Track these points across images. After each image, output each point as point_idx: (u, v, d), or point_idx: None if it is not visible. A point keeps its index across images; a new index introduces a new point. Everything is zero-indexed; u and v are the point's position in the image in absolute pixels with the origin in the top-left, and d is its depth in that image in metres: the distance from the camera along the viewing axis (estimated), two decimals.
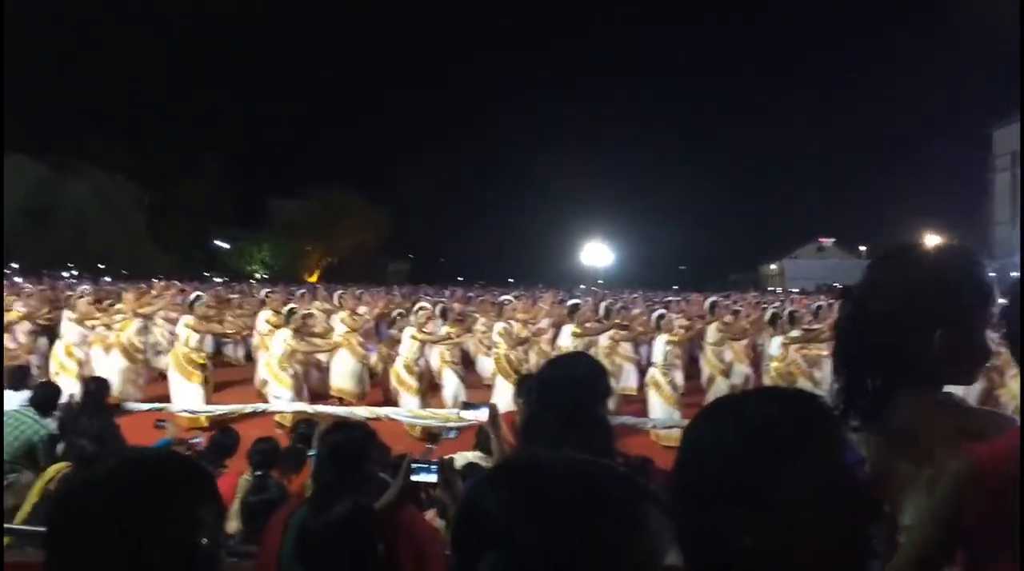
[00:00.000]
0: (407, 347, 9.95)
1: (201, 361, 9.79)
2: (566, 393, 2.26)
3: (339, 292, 14.27)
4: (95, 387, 6.20)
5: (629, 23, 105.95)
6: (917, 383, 1.50)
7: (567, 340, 10.15)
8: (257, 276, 53.91)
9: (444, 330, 10.80)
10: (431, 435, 7.41)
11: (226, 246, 59.92)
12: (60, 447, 4.97)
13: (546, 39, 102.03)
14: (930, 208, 50.14)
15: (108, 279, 30.01)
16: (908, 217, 52.05)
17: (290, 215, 61.72)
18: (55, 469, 4.28)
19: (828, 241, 63.88)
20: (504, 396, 8.59)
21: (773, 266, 63.71)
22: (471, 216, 76.41)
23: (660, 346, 9.81)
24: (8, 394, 6.04)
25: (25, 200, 41.10)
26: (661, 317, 10.53)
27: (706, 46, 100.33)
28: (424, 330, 10.28)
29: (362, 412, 7.42)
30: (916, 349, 1.48)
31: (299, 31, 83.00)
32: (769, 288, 45.09)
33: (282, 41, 77.66)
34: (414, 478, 2.86)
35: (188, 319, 10.07)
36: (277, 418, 8.96)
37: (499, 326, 10.08)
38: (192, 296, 10.82)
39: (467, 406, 3.80)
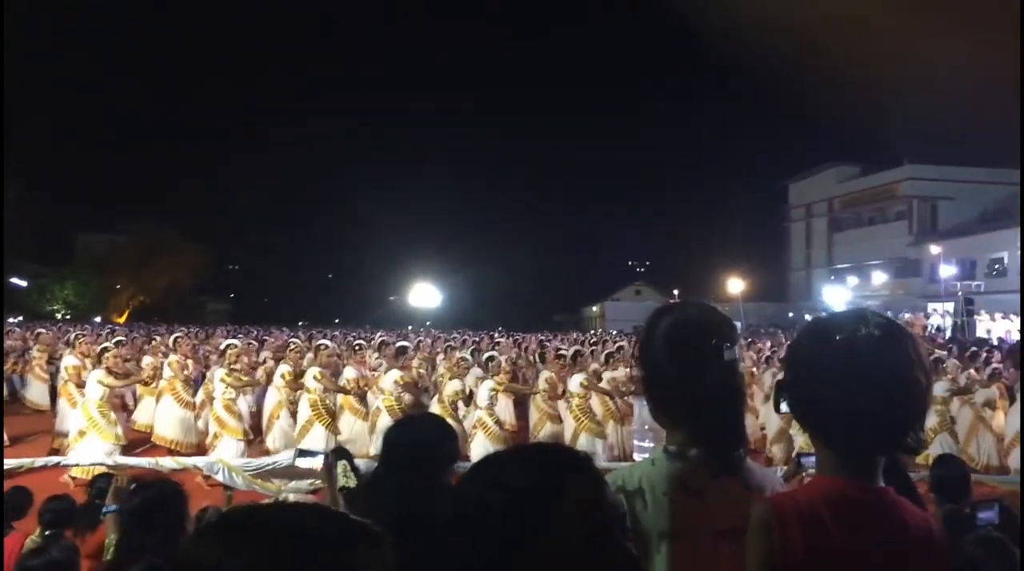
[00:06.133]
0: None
1: None
2: (407, 455, 2.23)
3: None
4: None
5: (461, 72, 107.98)
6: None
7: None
8: (59, 316, 50.00)
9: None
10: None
11: (22, 284, 55.09)
12: None
13: (377, 82, 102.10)
14: (734, 255, 53.58)
15: None
16: (714, 262, 55.58)
17: (99, 251, 57.77)
18: None
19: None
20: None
21: (595, 308, 65.95)
22: (294, 255, 74.55)
23: (485, 389, 10.03)
24: None
25: None
26: (490, 359, 10.70)
27: (530, 99, 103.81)
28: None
29: (167, 463, 6.97)
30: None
31: (117, 52, 78.79)
32: (590, 329, 46.61)
33: (97, 57, 73.40)
34: None
35: None
36: (73, 471, 8.16)
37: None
38: None
39: (303, 453, 3.64)
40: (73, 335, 13.43)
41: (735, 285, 48.47)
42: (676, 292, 62.50)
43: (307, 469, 3.36)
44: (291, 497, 6.25)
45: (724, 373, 1.64)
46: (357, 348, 11.79)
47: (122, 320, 50.98)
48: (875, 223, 51.36)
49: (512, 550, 0.99)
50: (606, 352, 11.79)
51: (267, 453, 9.36)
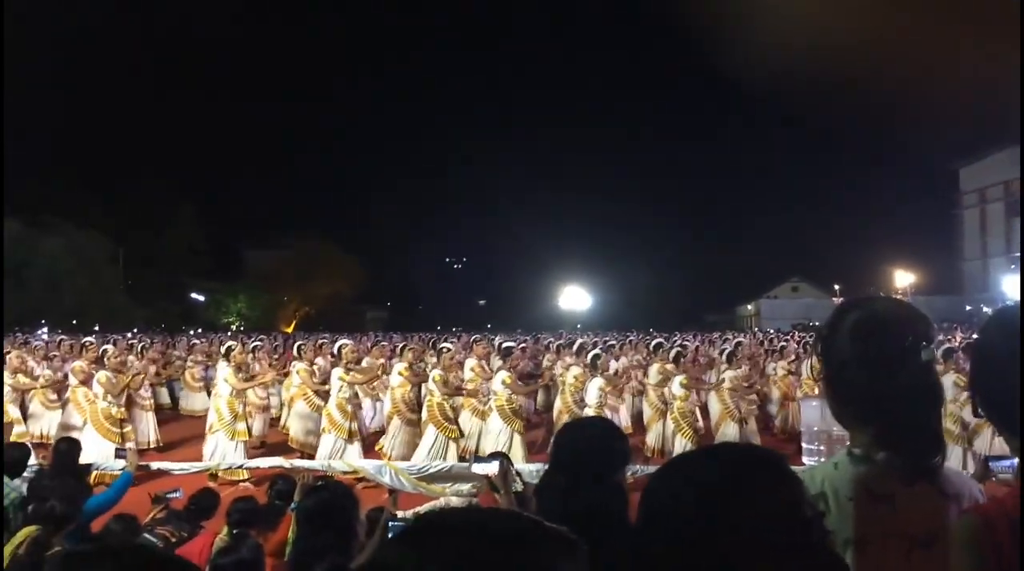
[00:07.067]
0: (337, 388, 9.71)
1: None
2: (578, 456, 2.24)
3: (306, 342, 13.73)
4: (65, 447, 6.06)
5: (607, 74, 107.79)
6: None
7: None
8: (234, 328, 53.48)
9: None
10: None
11: (201, 298, 59.47)
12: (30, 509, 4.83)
13: (523, 89, 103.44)
14: (899, 245, 50.69)
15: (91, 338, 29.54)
16: (879, 255, 52.75)
17: (266, 266, 61.74)
18: (24, 533, 4.14)
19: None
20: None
21: (749, 307, 64.11)
22: (448, 264, 76.63)
23: (594, 388, 9.88)
24: None
25: None
26: (596, 358, 10.47)
27: (684, 95, 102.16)
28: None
29: (339, 466, 7.25)
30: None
31: (275, 81, 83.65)
32: (745, 329, 45.30)
33: (255, 91, 78.22)
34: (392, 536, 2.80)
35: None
36: (221, 473, 8.59)
37: (435, 373, 9.92)
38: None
39: (479, 459, 3.71)
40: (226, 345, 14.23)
41: (903, 278, 45.83)
42: (837, 287, 60.04)
43: (474, 473, 3.39)
44: (453, 500, 6.35)
45: (918, 372, 1.53)
46: (474, 341, 11.90)
47: (290, 329, 53.99)
48: None
49: (702, 549, 0.94)
50: (727, 351, 11.42)
51: (416, 456, 9.55)
